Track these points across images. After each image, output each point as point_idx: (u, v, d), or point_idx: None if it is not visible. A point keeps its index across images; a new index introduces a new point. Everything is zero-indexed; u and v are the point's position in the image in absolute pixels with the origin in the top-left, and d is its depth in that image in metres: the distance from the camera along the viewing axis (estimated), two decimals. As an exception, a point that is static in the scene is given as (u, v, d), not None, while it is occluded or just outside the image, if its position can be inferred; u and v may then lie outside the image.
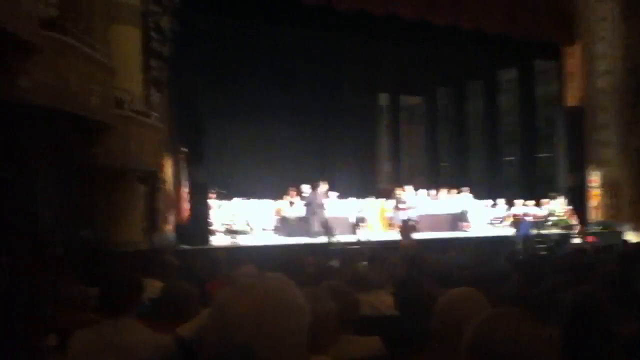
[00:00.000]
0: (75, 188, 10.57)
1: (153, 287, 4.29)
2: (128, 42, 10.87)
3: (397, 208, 17.30)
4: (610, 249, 8.53)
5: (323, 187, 16.41)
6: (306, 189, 16.08)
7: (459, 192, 18.92)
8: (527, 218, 16.04)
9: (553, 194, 18.66)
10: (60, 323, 3.48)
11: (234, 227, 14.95)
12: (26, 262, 7.15)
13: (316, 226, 15.47)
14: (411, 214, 16.82)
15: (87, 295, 4.13)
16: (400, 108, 27.57)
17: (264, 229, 17.23)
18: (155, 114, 11.93)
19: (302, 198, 16.28)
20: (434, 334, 2.35)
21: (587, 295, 2.50)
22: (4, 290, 4.42)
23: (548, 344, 1.29)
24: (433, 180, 23.53)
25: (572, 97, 19.01)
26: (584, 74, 18.45)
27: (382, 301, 4.16)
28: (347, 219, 16.69)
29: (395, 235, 15.56)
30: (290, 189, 16.75)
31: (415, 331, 3.17)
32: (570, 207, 17.82)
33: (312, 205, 15.88)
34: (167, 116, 13.58)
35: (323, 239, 14.36)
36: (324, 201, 16.21)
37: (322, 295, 2.41)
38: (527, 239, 14.74)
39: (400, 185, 19.43)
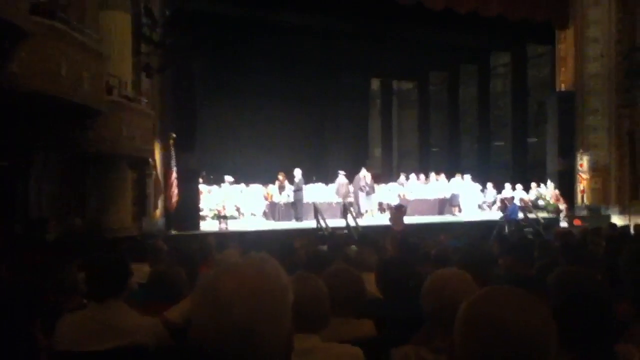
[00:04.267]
0: (66, 174, 10.53)
1: (142, 272, 4.30)
2: (118, 27, 10.76)
3: (367, 193, 17.53)
4: (597, 232, 8.59)
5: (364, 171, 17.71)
6: (298, 173, 16.08)
7: (449, 177, 19.02)
8: (515, 202, 16.14)
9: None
10: (51, 306, 3.49)
11: (224, 213, 14.93)
12: (19, 249, 7.14)
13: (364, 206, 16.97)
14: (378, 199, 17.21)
15: (77, 279, 4.13)
16: (393, 93, 27.57)
17: (253, 214, 17.26)
18: (145, 100, 11.86)
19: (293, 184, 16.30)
20: (423, 314, 2.37)
21: (582, 275, 2.52)
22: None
23: (546, 320, 1.28)
24: (424, 164, 23.60)
25: (563, 81, 19.04)
26: (576, 58, 18.46)
27: (372, 283, 4.17)
28: (339, 203, 16.73)
29: (382, 219, 15.69)
30: (280, 174, 16.75)
31: (405, 312, 3.20)
32: (558, 191, 17.95)
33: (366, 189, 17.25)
34: (157, 102, 13.51)
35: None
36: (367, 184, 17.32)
37: (313, 278, 2.43)
38: (516, 223, 14.83)
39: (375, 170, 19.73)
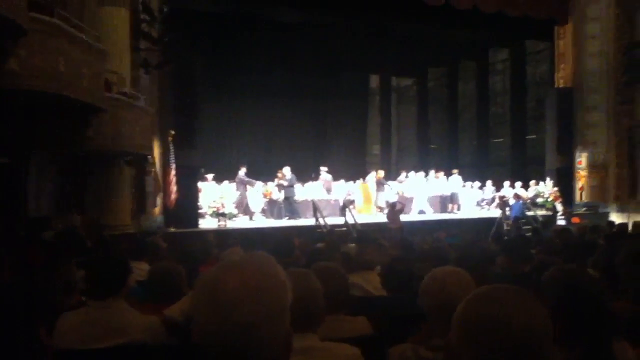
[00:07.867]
0: (65, 172, 10.53)
1: (141, 269, 4.31)
2: (117, 23, 10.77)
3: (378, 189, 17.49)
4: (595, 229, 8.61)
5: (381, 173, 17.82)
6: (287, 172, 16.10)
7: (448, 175, 19.02)
8: (514, 200, 16.15)
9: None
10: (52, 305, 3.49)
11: (222, 210, 14.90)
12: (17, 247, 7.14)
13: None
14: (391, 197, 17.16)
15: (76, 277, 4.14)
16: (391, 89, 27.51)
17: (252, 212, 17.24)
18: (144, 97, 11.86)
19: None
20: (422, 312, 2.39)
21: (578, 273, 2.52)
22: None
23: (543, 318, 1.29)
24: (423, 161, 23.57)
25: (562, 78, 19.04)
26: (574, 54, 18.47)
27: (371, 282, 4.19)
28: (337, 201, 16.74)
29: (381, 217, 15.68)
30: (279, 172, 16.75)
31: (404, 311, 3.21)
32: (557, 189, 17.95)
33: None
34: (156, 98, 13.49)
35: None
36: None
37: (308, 275, 2.42)
38: (515, 220, 14.85)
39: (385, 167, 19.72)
